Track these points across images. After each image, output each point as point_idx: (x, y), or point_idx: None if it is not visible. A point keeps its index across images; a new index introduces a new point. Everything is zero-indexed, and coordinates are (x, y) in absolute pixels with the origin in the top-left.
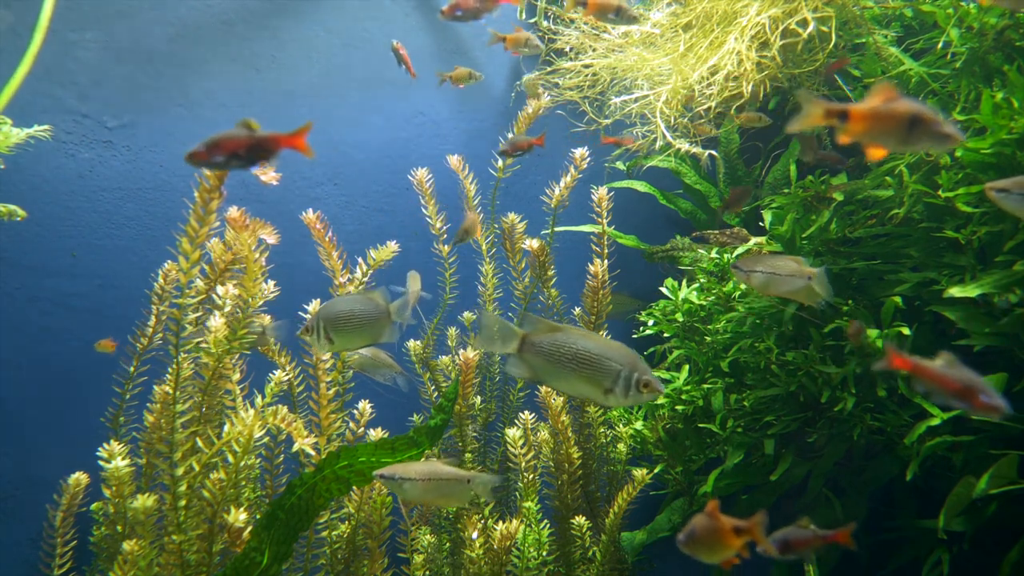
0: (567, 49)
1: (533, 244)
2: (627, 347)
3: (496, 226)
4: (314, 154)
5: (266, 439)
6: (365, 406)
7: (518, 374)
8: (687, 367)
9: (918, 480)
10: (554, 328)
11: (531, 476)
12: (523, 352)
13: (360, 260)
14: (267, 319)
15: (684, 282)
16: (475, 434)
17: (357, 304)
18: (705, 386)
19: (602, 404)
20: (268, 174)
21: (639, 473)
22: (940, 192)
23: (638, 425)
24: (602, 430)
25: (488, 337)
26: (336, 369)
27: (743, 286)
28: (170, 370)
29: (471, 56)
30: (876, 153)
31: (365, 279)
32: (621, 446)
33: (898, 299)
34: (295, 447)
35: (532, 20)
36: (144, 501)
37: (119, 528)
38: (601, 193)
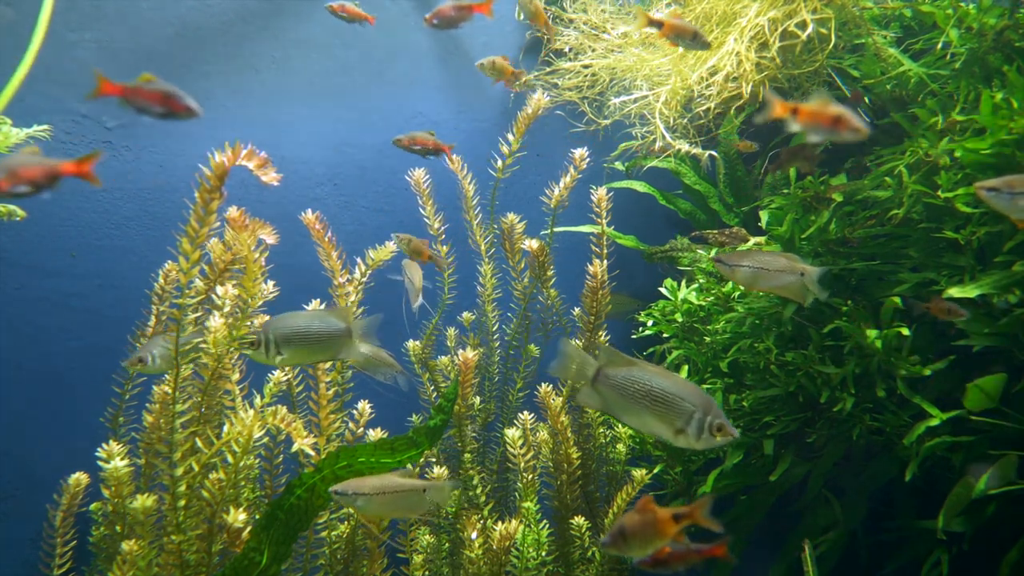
0: (566, 49)
1: (532, 244)
2: (699, 388)
3: (495, 226)
4: (101, 183)
5: (265, 439)
6: (364, 406)
7: (589, 404)
8: (686, 367)
9: (917, 480)
10: (629, 362)
11: (530, 476)
12: (597, 383)
13: (359, 260)
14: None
15: (683, 282)
16: (474, 434)
17: (315, 321)
18: (704, 386)
19: (671, 443)
20: (269, 174)
21: (638, 473)
22: (939, 193)
23: None
24: (601, 430)
25: (564, 365)
26: (335, 369)
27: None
28: (169, 370)
29: (470, 56)
30: None
31: (364, 279)
32: (620, 446)
33: (897, 299)
34: (294, 447)
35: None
36: (143, 501)
37: (118, 528)
38: (600, 193)
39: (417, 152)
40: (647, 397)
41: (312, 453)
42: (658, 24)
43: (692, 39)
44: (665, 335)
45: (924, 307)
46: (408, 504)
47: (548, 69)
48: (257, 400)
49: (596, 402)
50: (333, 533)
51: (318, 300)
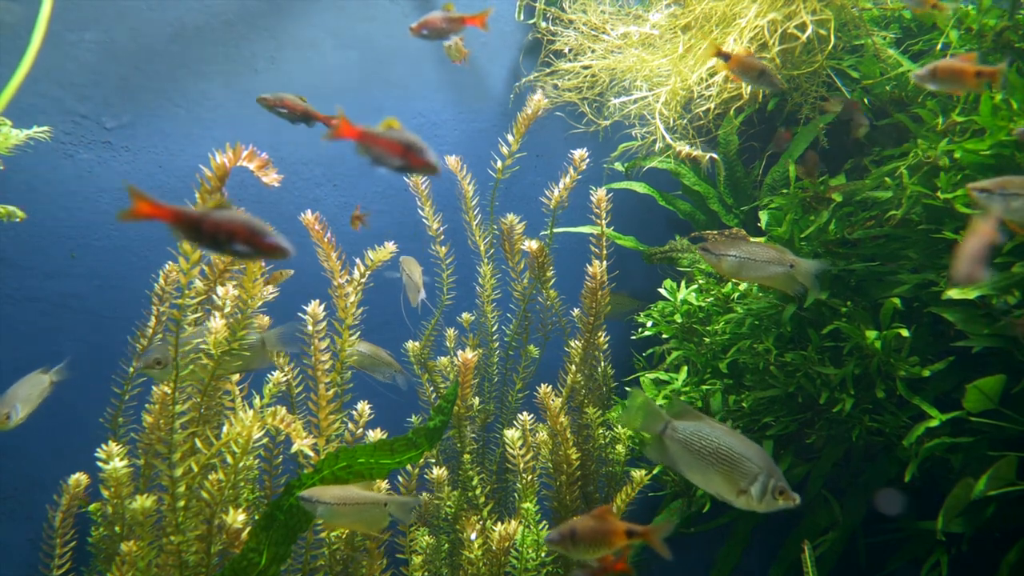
0: (566, 50)
1: (532, 245)
2: (763, 449)
3: (495, 227)
4: None
5: (265, 440)
6: (364, 407)
7: (655, 457)
8: (686, 368)
9: (917, 481)
10: (697, 417)
11: (529, 477)
12: (664, 436)
13: (358, 261)
14: (266, 320)
15: (683, 283)
16: (474, 435)
17: None
18: (704, 387)
19: (730, 503)
20: (270, 175)
21: (638, 474)
22: (939, 194)
23: None
24: (601, 431)
25: (633, 415)
26: (335, 370)
27: (742, 287)
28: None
29: (471, 57)
30: None
31: (363, 279)
32: (620, 447)
33: (897, 300)
34: (294, 448)
35: (531, 21)
36: (143, 502)
37: (117, 529)
38: (600, 194)
39: (284, 117)
40: (713, 455)
41: (311, 454)
42: (726, 56)
43: (759, 76)
44: (665, 336)
45: (1015, 325)
46: (370, 517)
47: (548, 70)
48: (256, 401)
49: (661, 455)
50: (332, 534)
51: (317, 301)
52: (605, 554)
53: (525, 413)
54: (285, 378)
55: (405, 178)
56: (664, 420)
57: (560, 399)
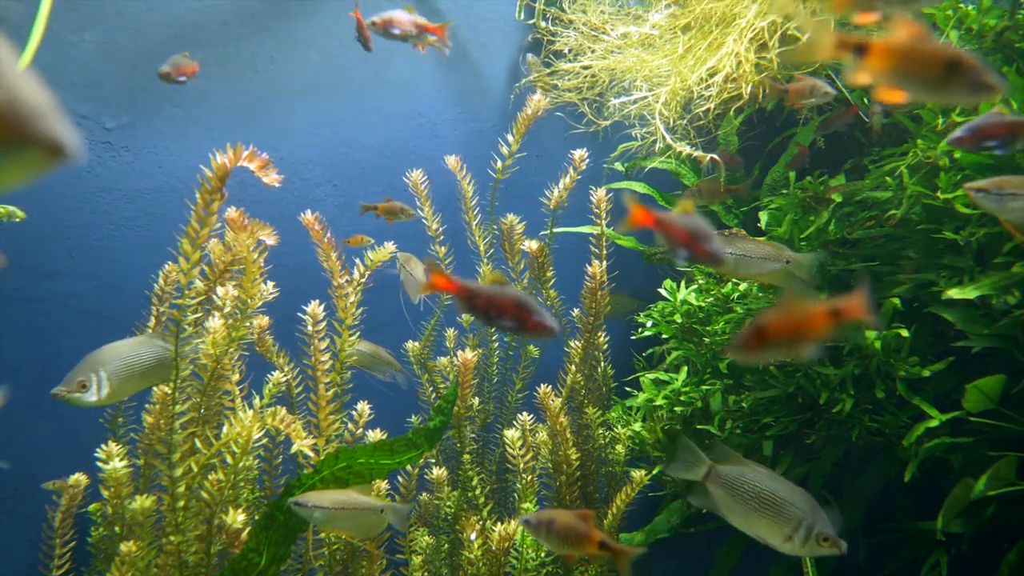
0: (566, 51)
1: (532, 245)
2: (807, 493)
3: (495, 227)
4: None
5: (265, 440)
6: (364, 407)
7: (699, 503)
8: (685, 368)
9: (917, 481)
10: (741, 461)
11: (529, 477)
12: (707, 481)
13: (358, 261)
14: (266, 320)
15: (683, 283)
16: (473, 435)
17: (143, 347)
18: (704, 387)
19: (775, 548)
20: (270, 176)
21: (637, 474)
22: (939, 194)
23: (636, 427)
24: (601, 431)
25: (677, 462)
26: (335, 370)
27: (742, 287)
28: None
29: (470, 57)
30: (893, 97)
31: (363, 280)
32: (620, 447)
33: (896, 301)
34: (294, 448)
35: (531, 21)
36: (142, 502)
37: (117, 529)
38: (600, 194)
39: (184, 83)
40: (757, 499)
41: (311, 454)
42: (785, 92)
43: (812, 92)
44: (664, 336)
45: None
46: (366, 523)
47: (548, 71)
48: (256, 401)
49: (705, 501)
50: (332, 534)
51: (317, 301)
52: (572, 554)
53: (525, 413)
54: (285, 378)
55: (404, 178)
56: (707, 466)
57: (560, 399)
